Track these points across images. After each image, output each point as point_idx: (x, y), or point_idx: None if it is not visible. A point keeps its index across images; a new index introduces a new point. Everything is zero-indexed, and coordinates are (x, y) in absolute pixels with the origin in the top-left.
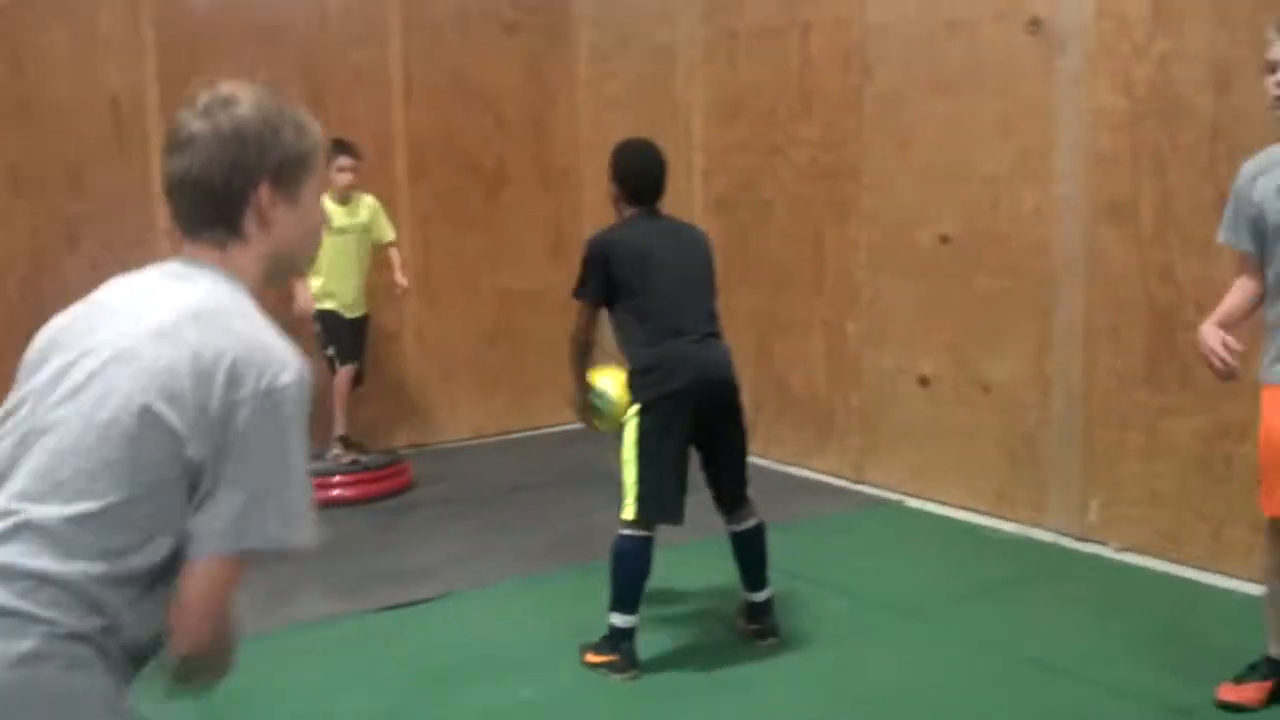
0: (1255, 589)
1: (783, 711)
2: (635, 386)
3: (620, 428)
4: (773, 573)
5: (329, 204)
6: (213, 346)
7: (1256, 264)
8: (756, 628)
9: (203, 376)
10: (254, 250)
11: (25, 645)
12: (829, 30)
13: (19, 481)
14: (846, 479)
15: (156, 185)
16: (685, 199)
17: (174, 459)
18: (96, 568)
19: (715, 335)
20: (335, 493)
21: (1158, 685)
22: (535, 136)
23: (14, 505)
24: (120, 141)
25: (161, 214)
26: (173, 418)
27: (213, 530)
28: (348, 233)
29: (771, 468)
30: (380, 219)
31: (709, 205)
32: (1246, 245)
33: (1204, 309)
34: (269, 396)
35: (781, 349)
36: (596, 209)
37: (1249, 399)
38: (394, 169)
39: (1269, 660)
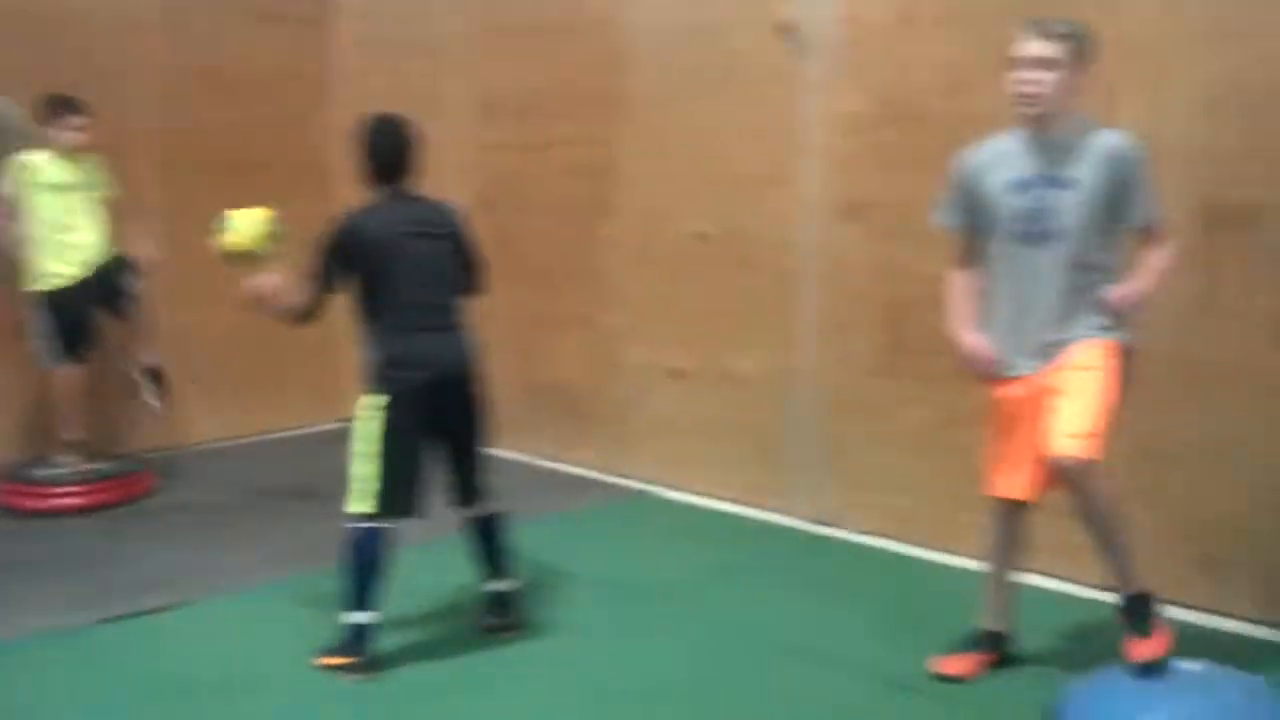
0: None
1: (527, 706)
2: (375, 378)
3: (245, 258)
4: (525, 567)
5: (51, 162)
6: None
7: (976, 247)
8: (499, 622)
9: None
10: None
11: None
12: (590, 30)
13: None
14: (603, 472)
15: None
16: (449, 195)
17: None
18: None
19: (457, 326)
20: (67, 501)
21: (883, 660)
22: (295, 133)
23: None
24: None
25: None
26: None
27: None
28: (66, 190)
29: (528, 463)
30: (102, 174)
31: (472, 203)
32: (966, 228)
33: (936, 305)
34: None
35: (542, 345)
36: (356, 206)
37: (974, 389)
38: (140, 164)
39: (985, 634)
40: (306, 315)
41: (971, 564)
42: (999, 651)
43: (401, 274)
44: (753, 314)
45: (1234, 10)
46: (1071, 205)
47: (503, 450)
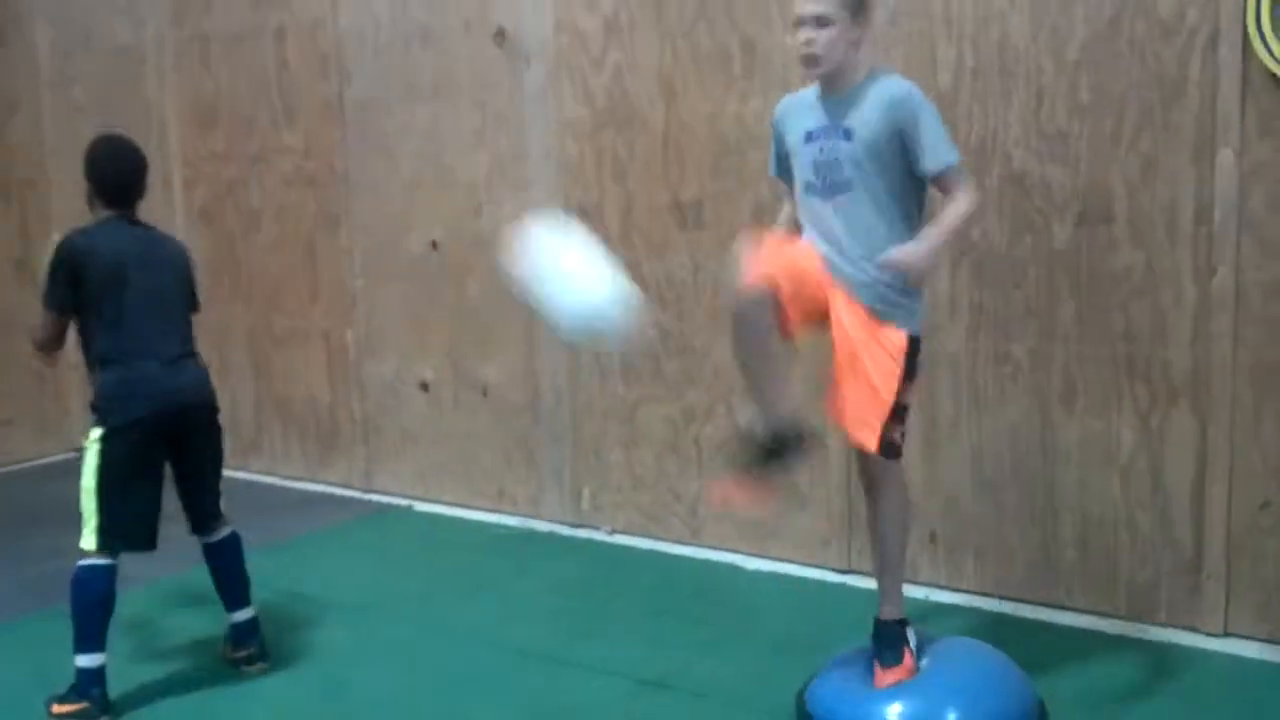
0: (732, 557)
1: None
2: (99, 410)
3: None
4: (270, 593)
5: None
6: None
7: (788, 194)
8: (244, 653)
9: None
10: None
11: None
12: (303, 35)
13: None
14: (355, 489)
15: None
16: (165, 210)
17: None
18: None
19: (189, 356)
20: None
21: (636, 659)
22: None
23: None
24: None
25: None
26: None
27: None
28: None
29: (275, 484)
30: None
31: (192, 216)
32: (786, 177)
33: (668, 305)
34: None
35: (280, 362)
36: (65, 222)
37: (710, 386)
38: None
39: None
40: (48, 344)
41: (721, 555)
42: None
43: (126, 300)
44: (493, 321)
45: None
46: (852, 155)
47: (249, 473)
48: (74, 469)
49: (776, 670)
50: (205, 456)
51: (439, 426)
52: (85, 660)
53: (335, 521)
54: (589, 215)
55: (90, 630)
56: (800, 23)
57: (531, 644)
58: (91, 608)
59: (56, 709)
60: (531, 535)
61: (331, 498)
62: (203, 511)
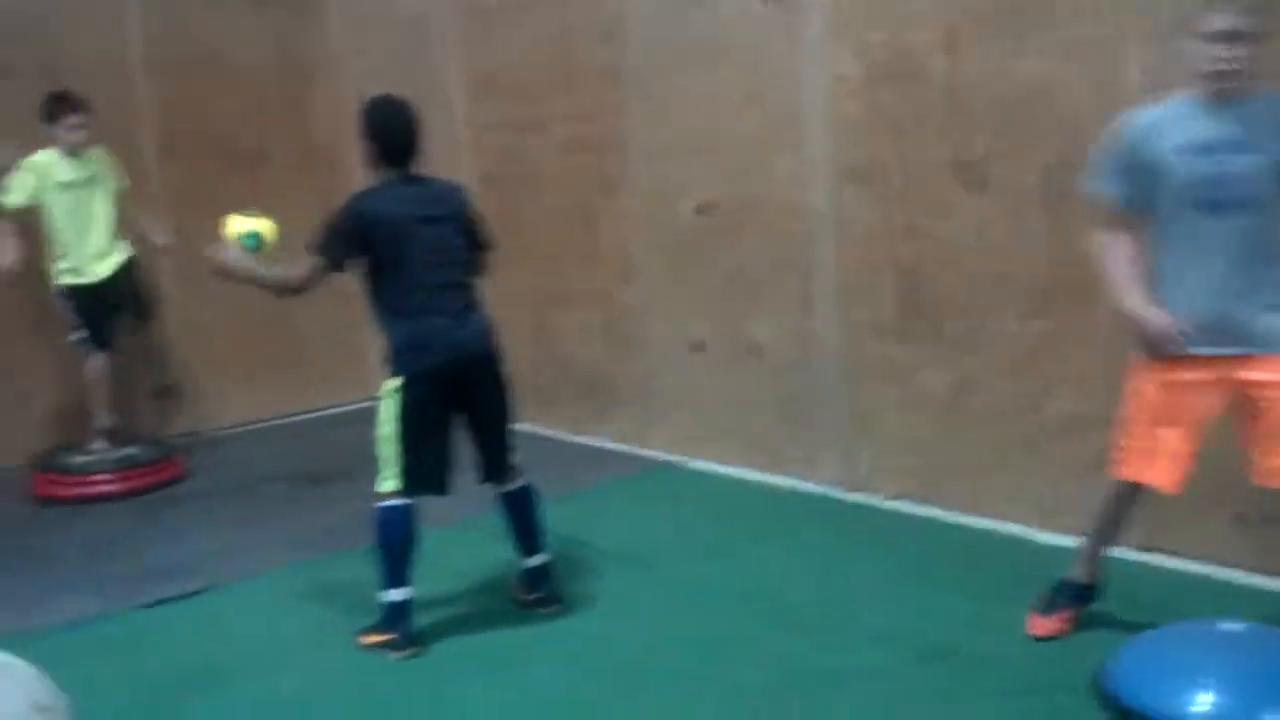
0: (1016, 529)
1: (552, 684)
2: (393, 362)
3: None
4: (554, 541)
5: (56, 160)
6: None
7: (1128, 218)
8: (536, 596)
9: None
10: None
11: None
12: (584, 2)
13: None
14: (631, 446)
15: None
16: (453, 175)
17: None
18: None
19: (472, 307)
20: (101, 489)
21: (912, 628)
22: (294, 115)
23: None
24: None
25: None
26: None
27: None
28: (80, 187)
29: (555, 438)
30: (111, 167)
31: (478, 181)
32: (1124, 197)
33: (947, 265)
34: None
35: (559, 322)
36: (360, 188)
37: (989, 352)
38: (141, 151)
39: (1075, 585)
40: (300, 289)
41: (1004, 526)
42: (1086, 604)
43: (413, 257)
44: (767, 282)
45: None
46: (1257, 172)
47: (525, 425)
48: (368, 417)
49: (1067, 648)
50: (492, 407)
51: (712, 386)
52: (392, 595)
53: (612, 476)
54: (864, 176)
55: (396, 567)
56: (1219, 37)
57: (804, 606)
58: (396, 546)
59: (367, 639)
60: (805, 497)
61: (609, 453)
62: (493, 461)
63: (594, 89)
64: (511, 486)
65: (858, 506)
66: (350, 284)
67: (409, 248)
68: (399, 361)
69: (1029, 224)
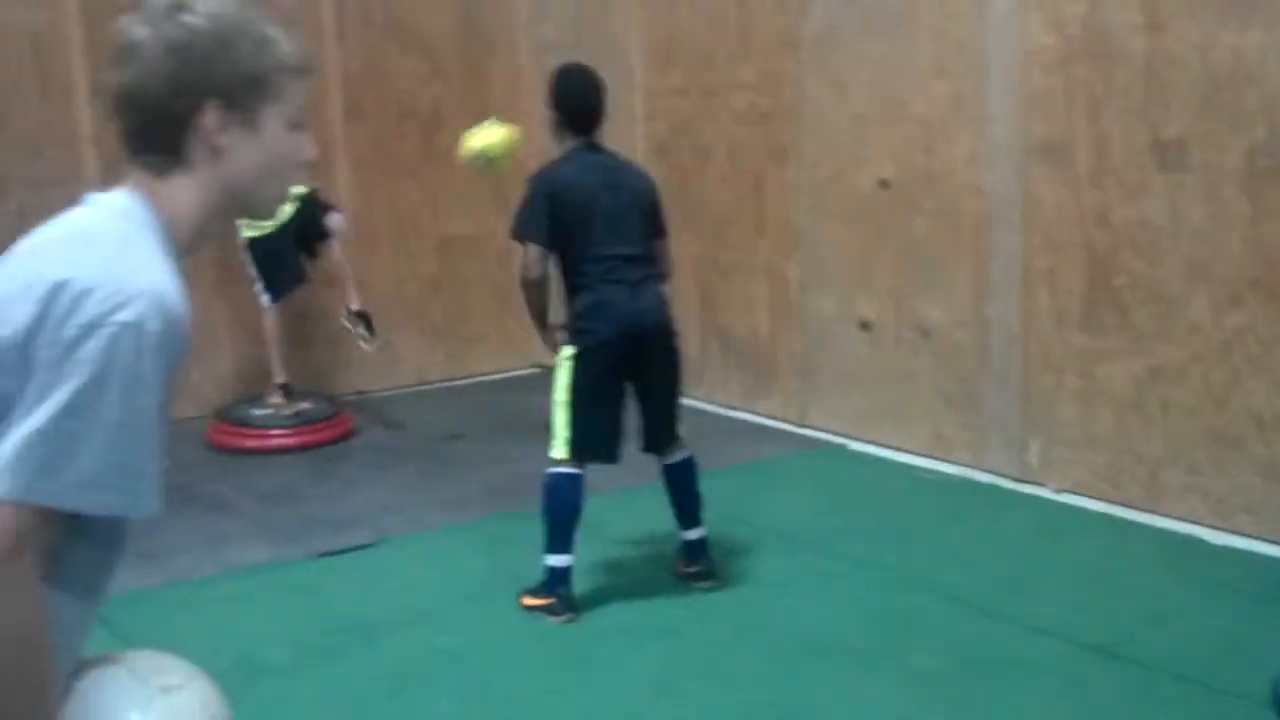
0: (1190, 529)
1: (709, 655)
2: (570, 330)
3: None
4: (712, 516)
5: None
6: (61, 271)
7: None
8: (694, 570)
9: (41, 302)
10: (198, 180)
11: None
12: None
13: None
14: (789, 423)
15: (82, 127)
16: (627, 144)
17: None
18: None
19: (651, 279)
20: (277, 441)
21: (1078, 622)
22: (473, 80)
23: None
24: (42, 83)
25: (89, 157)
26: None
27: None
28: None
29: (714, 412)
30: None
31: (650, 150)
32: None
33: (1140, 252)
34: (94, 331)
35: (724, 294)
36: (539, 153)
37: (1182, 342)
38: (328, 112)
39: None
40: (533, 281)
41: (1179, 526)
42: None
43: (597, 227)
44: (943, 262)
45: None
46: None
47: (690, 399)
48: (534, 383)
49: (1239, 651)
50: (663, 378)
51: (877, 366)
52: (555, 560)
53: (770, 453)
54: (1055, 155)
55: (560, 533)
56: None
57: (966, 594)
58: (562, 513)
59: (527, 601)
60: (970, 485)
61: (766, 429)
62: (659, 432)
63: (772, 57)
64: (674, 458)
65: (1026, 497)
66: (511, 249)
67: (592, 218)
68: (577, 331)
69: (1229, 209)
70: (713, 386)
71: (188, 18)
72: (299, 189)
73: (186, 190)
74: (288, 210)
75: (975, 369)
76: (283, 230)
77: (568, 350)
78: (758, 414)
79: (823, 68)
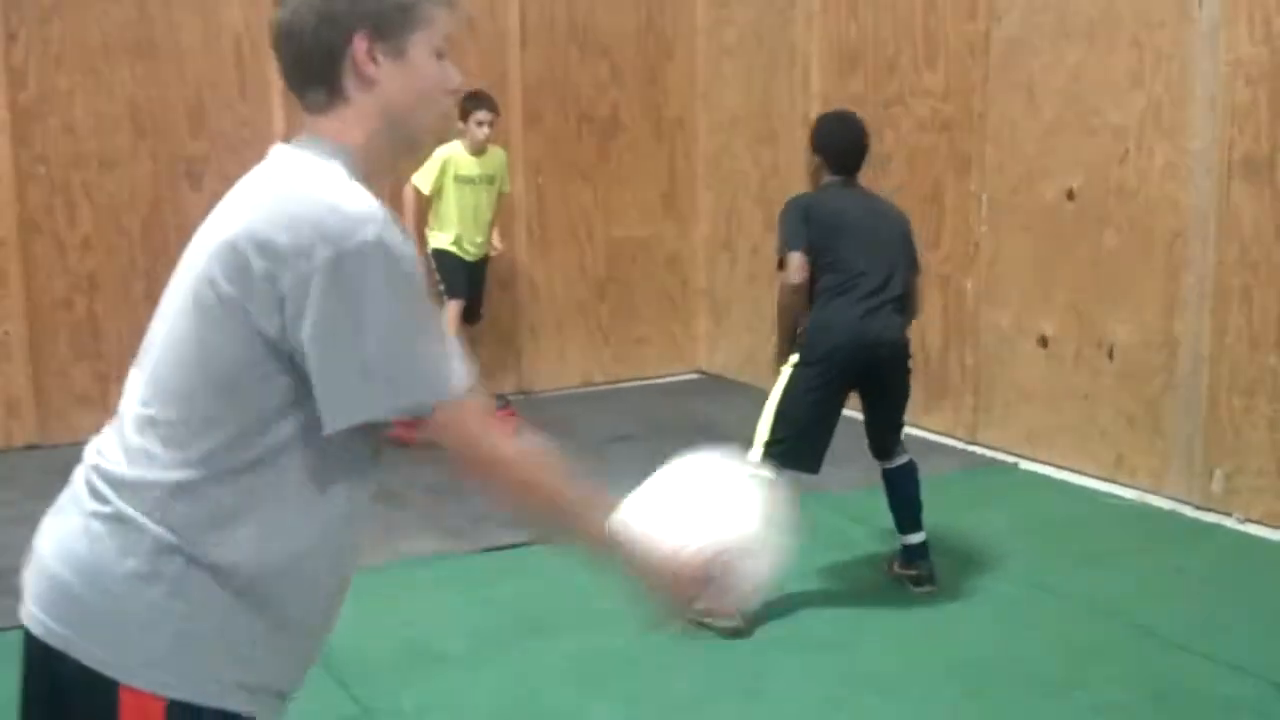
0: None
1: (884, 674)
2: (804, 344)
3: None
4: (880, 531)
5: (463, 154)
6: (279, 215)
7: None
8: (913, 572)
9: (266, 248)
10: (359, 112)
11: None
12: None
13: (131, 398)
14: (959, 439)
15: (277, 125)
16: (802, 151)
17: (247, 339)
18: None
19: (895, 304)
20: None
21: (1274, 661)
22: (649, 85)
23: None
24: (241, 81)
25: None
26: (231, 291)
27: (328, 407)
28: (478, 183)
29: None
30: (505, 170)
31: None
32: None
33: None
34: (342, 263)
35: None
36: (708, 161)
37: None
38: (508, 116)
39: None
40: (795, 291)
41: None
42: None
43: (849, 247)
44: (1130, 279)
45: None
46: None
47: (848, 409)
48: (698, 388)
49: None
50: (893, 393)
51: (1055, 384)
52: None
53: (940, 470)
54: (1257, 169)
55: None
56: None
57: (1155, 625)
58: None
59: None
60: (1149, 511)
61: (934, 444)
62: (885, 441)
63: (958, 63)
64: (895, 463)
65: (1208, 526)
66: (687, 257)
67: (847, 236)
68: (811, 343)
69: None
70: None
71: None
72: (484, 237)
73: (347, 124)
74: (476, 258)
75: (1160, 390)
76: (468, 265)
77: (793, 359)
78: (925, 428)
79: (1012, 75)
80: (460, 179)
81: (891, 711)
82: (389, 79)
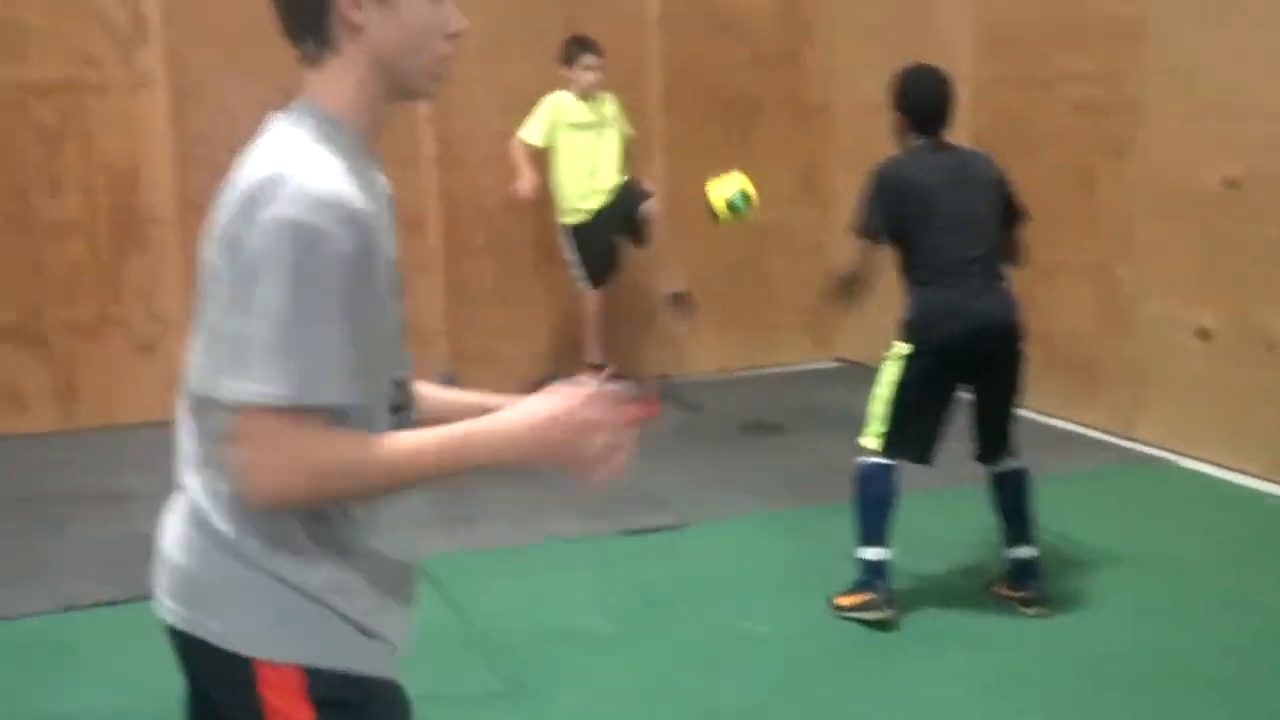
0: None
1: (1025, 675)
2: (908, 328)
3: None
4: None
5: (569, 101)
6: (244, 181)
7: None
8: (1021, 594)
9: (232, 213)
10: (349, 62)
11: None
12: None
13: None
14: (1112, 434)
15: (425, 149)
16: (949, 134)
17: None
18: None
19: (998, 279)
20: None
21: None
22: (789, 69)
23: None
24: None
25: (430, 178)
26: (217, 259)
27: (196, 377)
28: (589, 129)
29: (1032, 418)
30: (620, 114)
31: (972, 142)
32: None
33: None
34: (256, 227)
35: (1046, 294)
36: (848, 146)
37: None
38: (647, 100)
39: None
40: (860, 276)
41: None
42: None
43: (942, 224)
44: None
45: None
46: None
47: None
48: (836, 376)
49: None
50: (1005, 384)
51: (1215, 379)
52: (870, 553)
53: (1093, 465)
54: None
55: (876, 525)
56: None
57: None
58: (874, 504)
59: (841, 601)
60: None
61: (1087, 439)
62: (992, 439)
63: (1113, 45)
64: (1006, 467)
65: None
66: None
67: (938, 215)
68: (913, 329)
69: None
70: (1030, 391)
71: None
72: (616, 178)
73: (340, 75)
74: (604, 198)
75: None
76: (601, 217)
77: (903, 348)
78: (1078, 423)
79: (1169, 58)
80: (573, 126)
81: (1033, 715)
82: (376, 24)
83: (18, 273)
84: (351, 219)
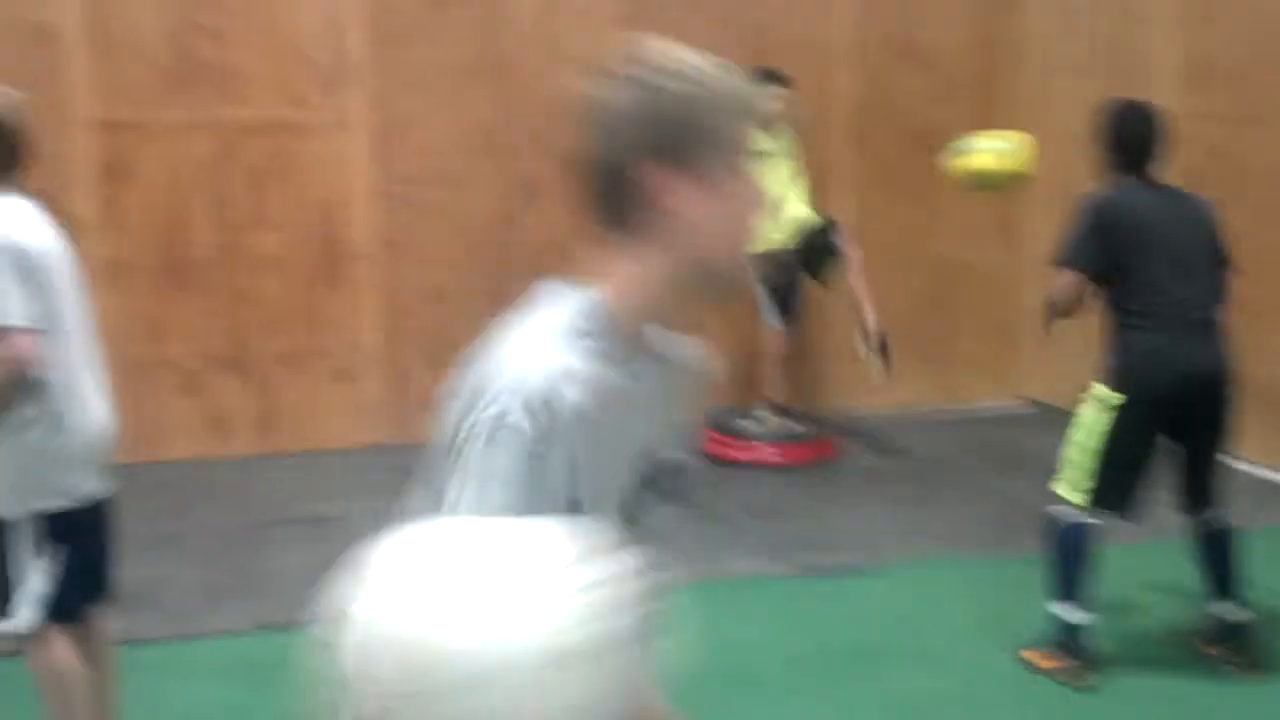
0: None
1: None
2: (1115, 372)
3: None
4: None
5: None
6: (477, 375)
7: None
8: (1228, 654)
9: (461, 406)
10: (649, 249)
11: None
12: None
13: None
14: None
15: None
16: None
17: None
18: None
19: (1213, 325)
20: (766, 455)
21: None
22: (982, 101)
23: None
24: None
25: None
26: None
27: None
28: (775, 157)
29: (1240, 468)
30: (796, 144)
31: (1175, 179)
32: None
33: None
34: (470, 431)
35: (1252, 338)
36: (1045, 181)
37: None
38: (831, 136)
39: None
40: (1067, 311)
41: None
42: None
43: (1158, 264)
44: None
45: None
46: None
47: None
48: (1025, 419)
49: None
50: (1211, 434)
51: None
52: (1070, 614)
53: None
54: None
55: (1072, 582)
56: None
57: None
58: (1073, 560)
59: (1037, 660)
60: None
61: None
62: (1196, 489)
63: None
64: (1210, 519)
65: None
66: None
67: (1157, 253)
68: (1124, 377)
69: None
70: (1238, 440)
71: (626, 72)
72: (804, 216)
73: (638, 262)
74: (790, 234)
75: None
76: (790, 254)
77: (1113, 397)
78: (1275, 468)
79: None
80: (758, 157)
81: None
82: (692, 212)
83: (227, 304)
84: (567, 410)
